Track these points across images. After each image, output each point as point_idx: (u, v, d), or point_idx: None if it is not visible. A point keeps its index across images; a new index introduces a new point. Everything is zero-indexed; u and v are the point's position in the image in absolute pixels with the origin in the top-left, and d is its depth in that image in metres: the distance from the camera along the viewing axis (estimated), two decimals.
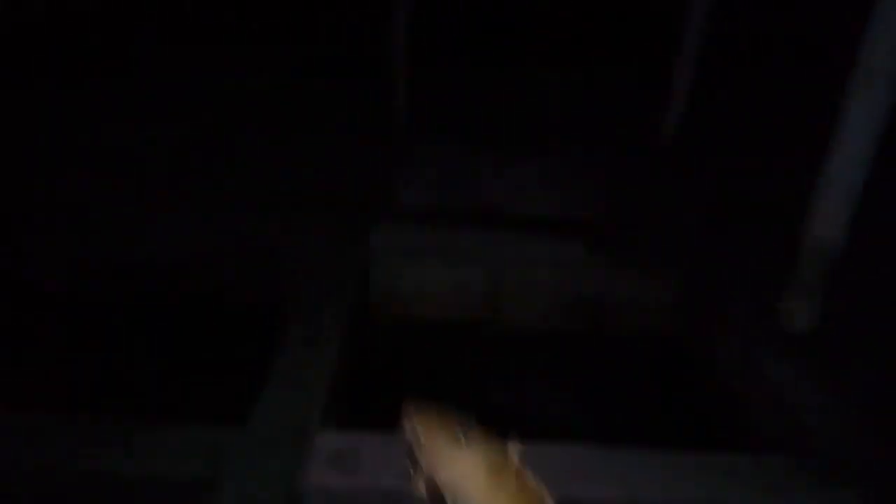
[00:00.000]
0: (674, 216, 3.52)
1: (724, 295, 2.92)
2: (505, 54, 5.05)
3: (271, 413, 1.97)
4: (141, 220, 3.07)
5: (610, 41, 5.03)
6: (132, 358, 2.76)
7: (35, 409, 1.97)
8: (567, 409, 2.76)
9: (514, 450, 1.62)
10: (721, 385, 2.80)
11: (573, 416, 2.73)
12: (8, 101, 3.52)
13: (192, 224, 3.06)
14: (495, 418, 2.66)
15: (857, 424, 2.16)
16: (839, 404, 2.24)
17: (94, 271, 3.07)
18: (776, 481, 1.93)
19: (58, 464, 1.77)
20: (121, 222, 3.08)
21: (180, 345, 2.85)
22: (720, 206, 3.54)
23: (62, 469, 1.77)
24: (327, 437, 1.92)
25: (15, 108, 3.57)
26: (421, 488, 1.66)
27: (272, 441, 1.86)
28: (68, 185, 3.28)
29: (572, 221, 3.45)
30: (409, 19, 3.72)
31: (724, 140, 4.06)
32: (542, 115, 4.89)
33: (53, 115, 3.75)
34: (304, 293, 2.54)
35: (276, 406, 2.00)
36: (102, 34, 4.09)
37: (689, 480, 1.90)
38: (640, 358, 3.15)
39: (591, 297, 3.17)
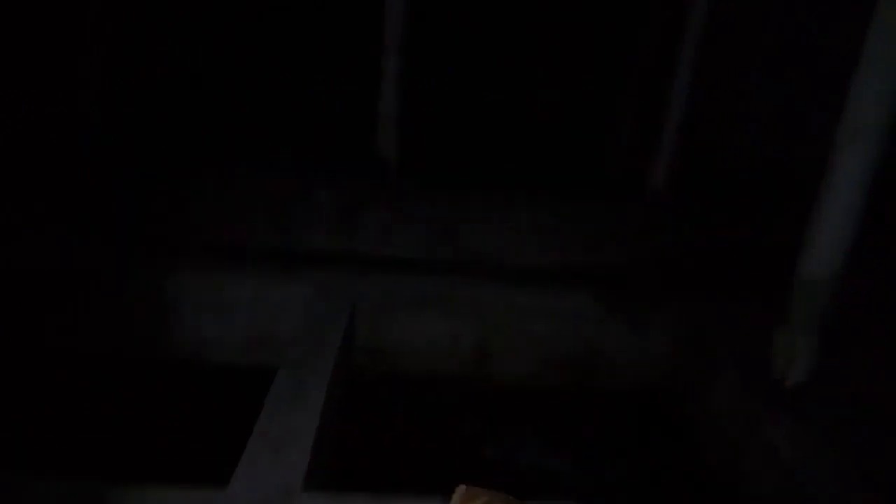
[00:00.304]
0: (668, 266, 3.52)
1: (718, 347, 2.90)
2: (491, 100, 5.12)
3: (252, 474, 1.90)
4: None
5: (600, 90, 5.11)
6: (110, 418, 2.69)
7: (8, 468, 1.89)
8: (560, 465, 2.69)
9: None
10: (715, 440, 2.75)
11: (567, 473, 2.66)
12: None
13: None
14: (487, 475, 2.62)
15: (852, 481, 2.11)
16: (834, 460, 2.19)
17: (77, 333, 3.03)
18: None
19: None
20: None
21: (161, 405, 2.78)
22: (713, 255, 3.54)
23: None
24: (311, 500, 1.85)
25: None
26: None
27: None
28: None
29: (565, 272, 3.44)
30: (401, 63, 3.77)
31: (716, 188, 4.09)
32: (531, 164, 4.93)
33: None
34: (289, 348, 2.50)
35: (257, 467, 1.93)
36: None
37: None
38: (634, 412, 3.11)
39: (583, 350, 3.13)
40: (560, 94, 5.23)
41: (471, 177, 4.41)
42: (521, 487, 2.54)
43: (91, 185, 3.50)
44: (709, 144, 4.14)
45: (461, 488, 1.70)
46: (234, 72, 4.65)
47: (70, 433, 2.53)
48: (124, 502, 1.76)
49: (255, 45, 4.66)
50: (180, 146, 4.18)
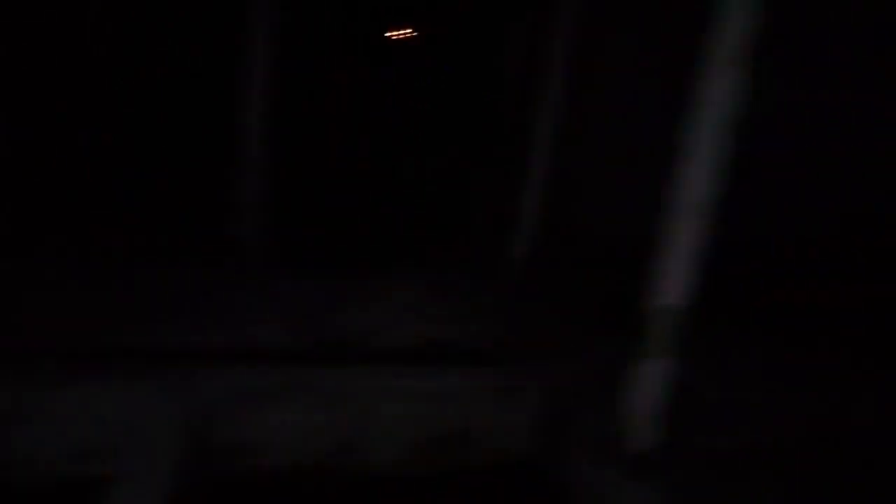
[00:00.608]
0: (533, 336, 3.59)
1: (576, 416, 2.95)
2: (360, 182, 5.15)
3: None
4: None
5: (467, 171, 5.28)
6: None
7: None
8: None
9: None
10: None
11: None
12: None
13: None
14: None
15: None
16: None
17: None
18: None
19: None
20: None
21: None
22: (573, 318, 3.66)
23: None
24: None
25: None
26: None
27: None
28: None
29: (432, 350, 3.43)
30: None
31: (574, 254, 4.28)
32: (402, 244, 4.98)
33: None
34: (125, 458, 2.27)
35: None
36: None
37: None
38: (503, 489, 3.08)
39: (451, 429, 3.09)
40: (429, 175, 5.37)
41: (337, 259, 4.38)
42: None
43: None
44: (566, 218, 4.36)
45: None
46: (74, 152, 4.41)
47: None
48: None
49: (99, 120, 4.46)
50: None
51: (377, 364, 3.16)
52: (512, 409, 3.15)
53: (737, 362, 3.47)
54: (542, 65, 3.99)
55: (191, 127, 4.57)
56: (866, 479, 2.66)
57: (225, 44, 3.90)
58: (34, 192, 4.18)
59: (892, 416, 3.17)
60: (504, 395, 3.14)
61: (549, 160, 4.03)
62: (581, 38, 3.89)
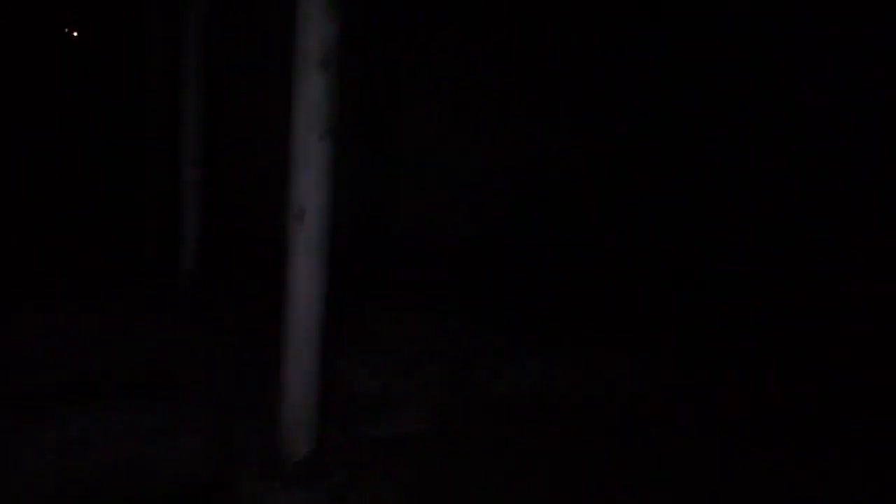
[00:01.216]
0: (198, 358, 3.42)
1: (242, 436, 2.88)
2: None
3: None
4: None
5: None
6: None
7: None
8: None
9: None
10: None
11: None
12: None
13: None
14: None
15: None
16: None
17: None
18: None
19: None
20: None
21: None
22: (244, 337, 3.56)
23: None
24: None
25: None
26: None
27: None
28: None
29: (91, 383, 3.11)
30: None
31: (250, 262, 4.16)
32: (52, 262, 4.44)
33: None
34: None
35: None
36: None
37: None
38: None
39: (106, 472, 2.82)
40: (81, 179, 4.86)
41: None
42: None
43: None
44: (234, 224, 4.24)
45: None
46: None
47: None
48: None
49: None
50: None
51: (8, 410, 2.78)
52: (176, 440, 2.96)
53: (385, 351, 3.58)
54: (184, 63, 3.77)
55: None
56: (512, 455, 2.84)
57: None
58: None
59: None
60: (166, 426, 2.95)
61: (202, 163, 3.84)
62: (218, 34, 3.75)
